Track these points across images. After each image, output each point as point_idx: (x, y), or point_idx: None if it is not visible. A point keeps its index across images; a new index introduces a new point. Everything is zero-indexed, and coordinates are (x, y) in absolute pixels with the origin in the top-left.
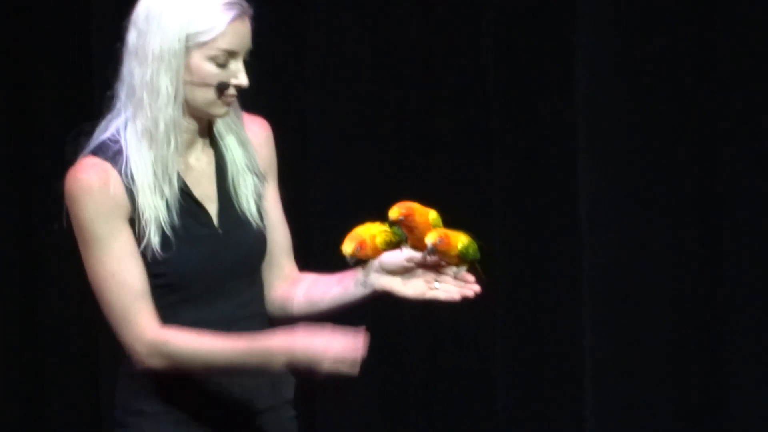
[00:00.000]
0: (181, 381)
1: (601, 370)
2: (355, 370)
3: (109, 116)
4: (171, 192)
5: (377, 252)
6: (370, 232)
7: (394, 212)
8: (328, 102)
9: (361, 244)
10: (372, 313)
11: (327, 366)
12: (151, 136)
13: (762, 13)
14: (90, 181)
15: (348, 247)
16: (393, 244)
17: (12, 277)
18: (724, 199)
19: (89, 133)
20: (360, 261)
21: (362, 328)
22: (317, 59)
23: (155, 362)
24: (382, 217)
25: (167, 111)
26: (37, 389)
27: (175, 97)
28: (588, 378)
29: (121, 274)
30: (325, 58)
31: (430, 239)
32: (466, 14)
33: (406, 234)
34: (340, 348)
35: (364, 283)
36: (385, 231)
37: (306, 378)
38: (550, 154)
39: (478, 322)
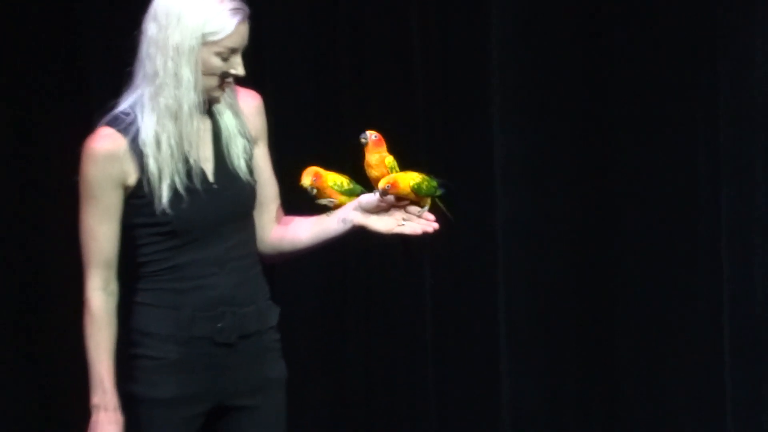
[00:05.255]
0: (183, 311)
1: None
2: None
3: (128, 91)
4: (190, 159)
5: (327, 187)
6: (323, 170)
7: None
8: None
9: (316, 175)
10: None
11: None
12: (175, 114)
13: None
14: (98, 149)
15: (306, 179)
16: (345, 189)
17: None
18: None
19: (113, 107)
20: (321, 197)
21: None
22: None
23: (84, 313)
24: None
25: (190, 96)
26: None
27: (195, 85)
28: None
29: (93, 232)
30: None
31: (381, 184)
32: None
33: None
34: None
35: (344, 221)
36: (337, 175)
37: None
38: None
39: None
